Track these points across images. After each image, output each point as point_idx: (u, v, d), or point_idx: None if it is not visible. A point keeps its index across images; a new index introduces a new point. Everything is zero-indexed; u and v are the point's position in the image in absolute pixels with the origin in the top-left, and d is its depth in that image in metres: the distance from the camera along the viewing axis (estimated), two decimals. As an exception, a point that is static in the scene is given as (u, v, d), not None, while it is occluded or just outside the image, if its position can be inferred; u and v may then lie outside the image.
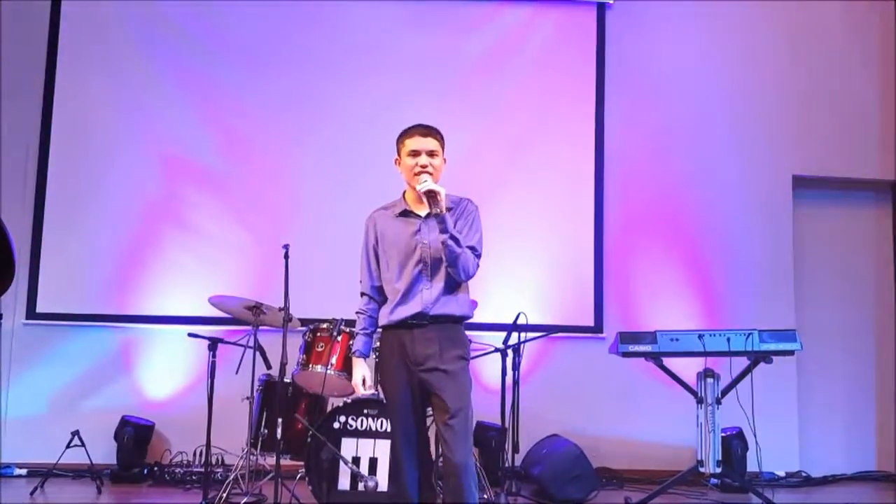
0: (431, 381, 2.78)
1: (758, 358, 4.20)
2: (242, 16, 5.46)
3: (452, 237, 2.75)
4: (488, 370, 5.01)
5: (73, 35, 5.37)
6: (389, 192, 4.66)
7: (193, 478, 4.71)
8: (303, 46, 5.45)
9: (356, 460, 3.88)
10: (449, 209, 2.85)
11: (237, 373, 4.28)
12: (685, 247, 5.54)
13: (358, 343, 2.99)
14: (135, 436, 4.83)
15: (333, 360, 4.01)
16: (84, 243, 5.22)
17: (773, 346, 4.19)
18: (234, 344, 4.31)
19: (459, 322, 2.89)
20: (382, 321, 2.90)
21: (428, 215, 2.84)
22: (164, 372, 5.15)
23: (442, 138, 2.93)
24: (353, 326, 4.20)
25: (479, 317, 4.55)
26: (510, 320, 4.28)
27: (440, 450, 2.90)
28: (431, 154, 2.87)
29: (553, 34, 5.64)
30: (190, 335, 4.35)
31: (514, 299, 5.18)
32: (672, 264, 5.52)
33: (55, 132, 5.29)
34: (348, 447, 3.88)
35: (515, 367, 4.24)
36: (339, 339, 4.10)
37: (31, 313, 5.14)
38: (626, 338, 4.25)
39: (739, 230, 5.57)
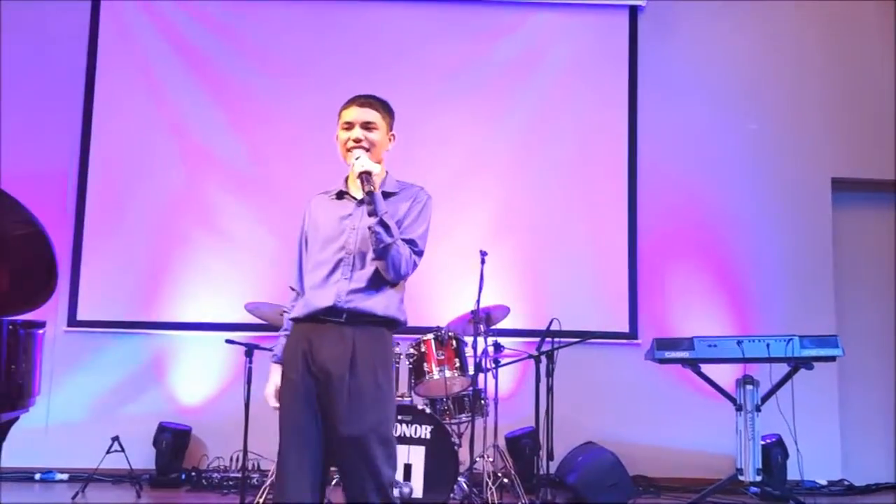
0: (330, 392, 2.28)
1: (798, 364, 4.13)
2: (272, 23, 5.53)
3: (382, 222, 2.31)
4: (522, 377, 5.00)
5: (111, 46, 5.47)
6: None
7: (230, 483, 4.78)
8: (333, 54, 5.49)
9: (391, 467, 3.87)
10: (393, 193, 2.48)
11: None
12: (722, 251, 5.47)
13: (277, 346, 2.52)
14: (173, 441, 4.90)
15: (367, 367, 4.02)
16: (122, 252, 5.30)
17: (814, 352, 4.11)
18: (270, 350, 4.34)
19: (385, 325, 2.40)
20: (294, 313, 2.45)
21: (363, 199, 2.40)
22: (201, 378, 5.21)
23: (387, 111, 2.52)
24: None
25: (512, 323, 4.60)
26: (543, 326, 4.26)
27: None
28: (368, 127, 2.44)
29: (584, 39, 5.62)
30: (227, 342, 4.40)
31: (548, 305, 5.16)
32: (708, 269, 5.45)
33: (94, 143, 5.39)
34: (383, 453, 3.88)
35: (549, 373, 4.22)
36: (373, 345, 4.11)
37: (73, 321, 5.24)
38: (663, 344, 4.21)
39: (777, 234, 5.48)
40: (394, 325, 2.43)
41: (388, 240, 2.31)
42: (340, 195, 2.52)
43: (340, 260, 2.39)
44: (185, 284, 5.28)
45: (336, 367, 2.29)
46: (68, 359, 5.17)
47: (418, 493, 3.87)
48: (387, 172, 2.56)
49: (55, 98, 5.42)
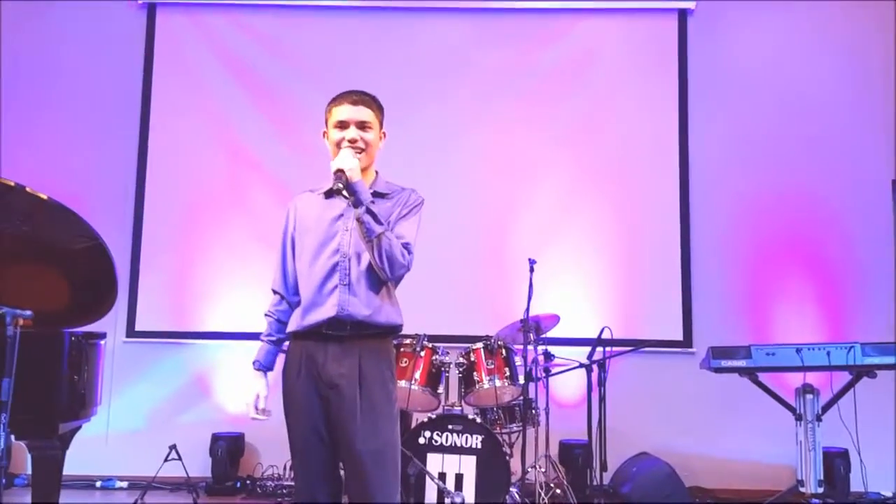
0: (343, 409, 2.24)
1: (860, 372, 4.02)
2: (320, 33, 5.60)
3: (369, 211, 2.22)
4: (572, 386, 4.95)
5: (166, 61, 5.61)
6: (465, 208, 4.61)
7: (284, 491, 4.83)
8: (381, 64, 5.52)
9: (442, 476, 3.88)
10: (384, 195, 2.40)
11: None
12: (778, 256, 5.34)
13: (259, 352, 2.46)
14: (228, 449, 4.98)
15: (417, 376, 4.04)
16: (178, 264, 5.42)
17: (876, 360, 3.99)
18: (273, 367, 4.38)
19: (386, 335, 2.37)
20: (291, 326, 2.38)
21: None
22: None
23: (379, 108, 2.44)
24: (437, 342, 4.29)
25: (562, 331, 4.56)
26: (595, 335, 4.22)
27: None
28: (363, 126, 2.37)
29: (633, 44, 5.56)
30: (280, 351, 4.44)
31: (599, 313, 5.11)
32: (764, 275, 5.32)
33: (151, 157, 5.52)
34: (434, 463, 3.89)
35: (601, 382, 4.18)
36: (423, 354, 4.12)
37: (131, 332, 5.37)
38: (719, 353, 4.13)
39: (836, 238, 5.33)
40: (393, 331, 2.38)
41: (377, 228, 2.22)
42: (330, 193, 2.40)
43: (336, 264, 2.31)
44: (237, 295, 5.36)
45: (345, 383, 2.25)
46: (127, 369, 5.29)
47: (470, 502, 3.86)
48: (377, 173, 2.47)
49: (113, 112, 5.57)
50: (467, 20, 5.60)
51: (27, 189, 2.94)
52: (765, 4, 5.55)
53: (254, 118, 5.53)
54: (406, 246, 2.32)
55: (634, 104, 5.49)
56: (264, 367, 2.45)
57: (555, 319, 4.42)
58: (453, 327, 4.94)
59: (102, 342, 3.44)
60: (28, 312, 2.76)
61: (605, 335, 4.13)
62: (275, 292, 2.46)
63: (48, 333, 3.08)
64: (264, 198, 5.45)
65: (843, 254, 5.32)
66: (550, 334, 4.50)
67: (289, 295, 2.43)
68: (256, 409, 2.41)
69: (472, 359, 4.24)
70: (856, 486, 4.59)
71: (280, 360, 2.50)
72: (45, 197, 2.97)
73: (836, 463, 4.67)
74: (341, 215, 2.35)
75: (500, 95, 5.49)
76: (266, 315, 2.47)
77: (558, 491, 4.36)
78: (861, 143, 5.42)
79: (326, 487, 2.28)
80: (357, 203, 2.23)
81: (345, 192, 2.25)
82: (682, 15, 5.57)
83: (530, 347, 4.19)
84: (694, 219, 5.38)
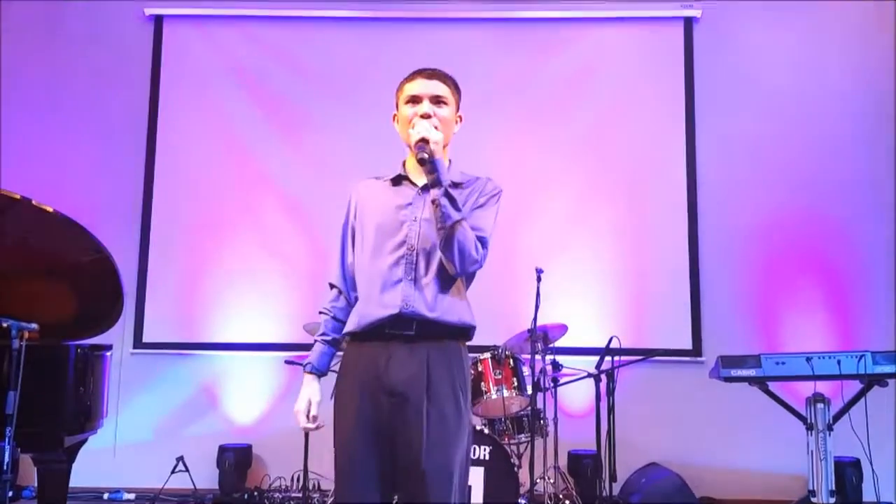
0: (407, 422, 1.93)
1: (871, 381, 3.97)
2: (329, 45, 5.61)
3: (448, 194, 1.95)
4: (581, 396, 4.92)
5: (174, 69, 5.63)
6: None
7: (292, 502, 4.81)
8: (390, 74, 5.46)
9: (450, 488, 3.85)
10: (459, 184, 2.10)
11: (332, 398, 4.34)
12: (787, 264, 5.29)
13: (312, 354, 2.15)
14: (235, 461, 4.97)
15: (425, 387, 4.01)
16: (185, 275, 5.42)
17: (887, 369, 3.95)
18: (329, 371, 4.38)
19: (459, 337, 2.08)
20: (349, 326, 2.09)
21: (427, 186, 2.01)
22: (261, 398, 5.27)
23: (456, 87, 2.19)
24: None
25: (570, 341, 4.53)
26: (603, 344, 4.19)
27: None
28: (438, 101, 2.11)
29: (639, 52, 5.55)
30: (287, 362, 4.44)
31: (607, 323, 5.08)
32: (774, 283, 5.28)
33: (158, 169, 5.52)
34: (442, 474, 3.85)
35: (610, 392, 4.15)
36: (431, 365, 4.10)
37: (138, 343, 5.37)
38: (728, 362, 4.09)
39: (846, 247, 5.28)
40: (466, 333, 2.10)
41: (455, 215, 1.94)
42: (398, 180, 2.16)
43: (401, 257, 2.03)
44: (244, 306, 5.36)
45: (412, 391, 1.95)
46: (135, 380, 5.29)
47: (479, 514, 3.83)
48: (450, 161, 2.19)
49: (120, 122, 5.58)
50: (473, 30, 5.60)
51: (33, 202, 2.94)
52: (770, 12, 5.53)
53: (262, 129, 5.53)
54: (481, 240, 2.03)
55: (641, 113, 5.47)
56: (317, 370, 2.15)
57: (562, 329, 4.40)
58: (460, 337, 4.91)
59: (108, 354, 3.44)
60: (33, 325, 2.76)
61: (614, 344, 4.09)
62: (332, 286, 2.19)
63: (54, 346, 3.08)
64: (272, 208, 5.46)
65: (854, 262, 5.27)
66: (558, 344, 4.48)
67: (347, 290, 2.17)
68: (308, 417, 2.11)
69: (480, 369, 4.22)
70: (868, 495, 4.54)
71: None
72: (50, 210, 2.98)
73: (847, 472, 4.62)
74: (410, 203, 2.08)
75: (506, 105, 5.48)
76: (321, 312, 2.17)
77: (567, 502, 4.33)
78: (870, 149, 5.38)
79: None
80: (436, 182, 1.95)
81: (422, 167, 1.98)
82: (688, 23, 5.56)
83: (538, 357, 4.17)
84: (702, 227, 5.35)
